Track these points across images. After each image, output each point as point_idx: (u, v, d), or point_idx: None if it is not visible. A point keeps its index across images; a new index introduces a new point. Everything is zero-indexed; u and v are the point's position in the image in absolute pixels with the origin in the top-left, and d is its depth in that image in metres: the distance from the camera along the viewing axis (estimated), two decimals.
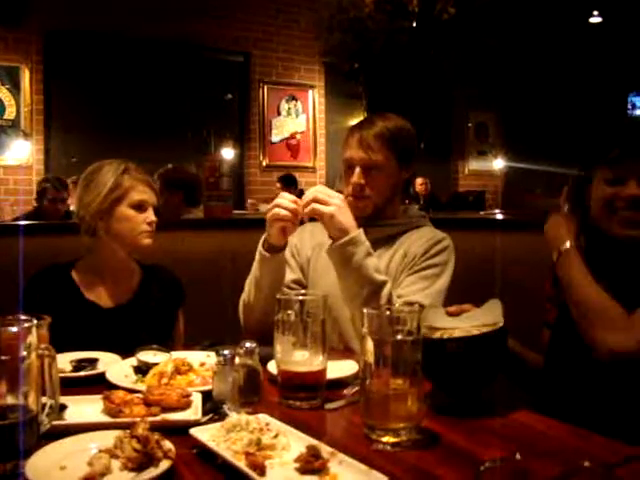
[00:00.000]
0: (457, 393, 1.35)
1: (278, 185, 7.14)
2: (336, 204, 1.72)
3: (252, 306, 1.87)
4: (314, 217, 1.78)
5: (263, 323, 1.73)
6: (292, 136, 8.50)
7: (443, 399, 1.33)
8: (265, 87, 8.32)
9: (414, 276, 1.86)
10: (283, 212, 1.72)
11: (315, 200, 1.72)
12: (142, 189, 1.96)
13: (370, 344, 1.14)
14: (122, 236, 1.93)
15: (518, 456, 0.78)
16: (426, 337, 1.26)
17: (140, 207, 1.94)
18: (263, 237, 1.84)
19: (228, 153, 7.86)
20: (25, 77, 6.85)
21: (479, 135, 10.12)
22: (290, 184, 7.06)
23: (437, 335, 1.36)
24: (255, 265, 1.86)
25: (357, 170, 1.89)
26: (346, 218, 1.74)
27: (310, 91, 8.62)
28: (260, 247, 1.83)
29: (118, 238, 1.93)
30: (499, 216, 3.46)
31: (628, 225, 1.46)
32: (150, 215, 1.96)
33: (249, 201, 7.68)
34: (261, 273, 1.83)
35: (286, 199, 1.75)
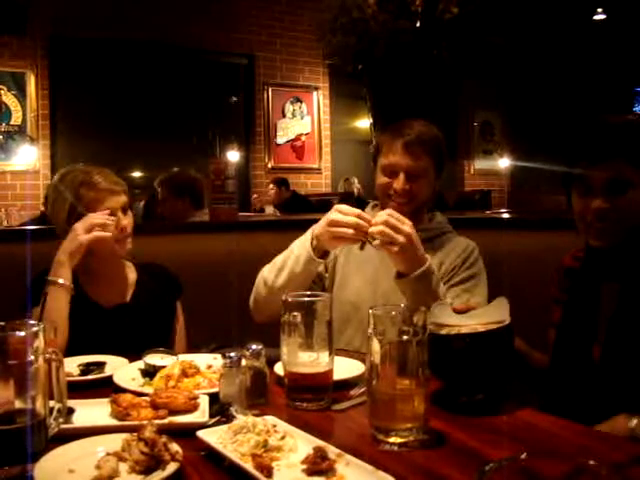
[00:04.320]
0: (463, 390, 1.35)
1: (272, 186, 7.25)
2: (407, 232, 1.65)
3: (277, 290, 1.78)
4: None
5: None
6: (297, 138, 8.52)
7: (449, 399, 1.33)
8: (270, 89, 8.34)
9: (457, 288, 1.87)
10: (347, 230, 1.65)
11: (386, 224, 1.64)
12: (102, 197, 1.86)
13: (376, 344, 1.14)
14: (98, 250, 1.87)
15: (524, 455, 0.78)
16: (432, 333, 1.25)
17: None
18: (310, 236, 1.77)
19: (233, 155, 7.90)
20: (31, 83, 6.89)
21: (484, 134, 10.10)
22: (282, 185, 7.18)
23: (443, 332, 1.36)
24: (294, 259, 1.77)
25: (402, 176, 1.86)
26: (418, 248, 1.68)
27: (315, 93, 8.63)
28: (309, 247, 1.75)
29: (97, 252, 1.88)
30: (505, 215, 3.45)
31: (599, 237, 1.46)
32: (121, 220, 1.89)
33: (254, 196, 7.69)
34: (301, 270, 1.76)
35: (344, 212, 1.67)
